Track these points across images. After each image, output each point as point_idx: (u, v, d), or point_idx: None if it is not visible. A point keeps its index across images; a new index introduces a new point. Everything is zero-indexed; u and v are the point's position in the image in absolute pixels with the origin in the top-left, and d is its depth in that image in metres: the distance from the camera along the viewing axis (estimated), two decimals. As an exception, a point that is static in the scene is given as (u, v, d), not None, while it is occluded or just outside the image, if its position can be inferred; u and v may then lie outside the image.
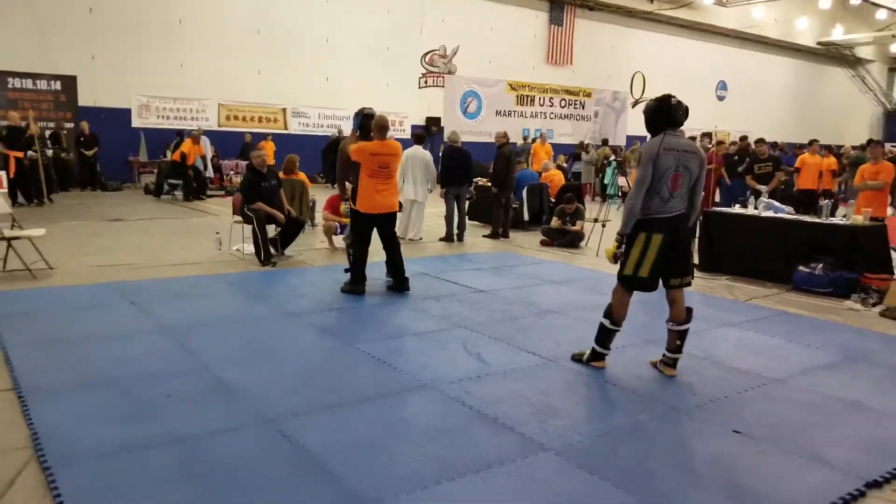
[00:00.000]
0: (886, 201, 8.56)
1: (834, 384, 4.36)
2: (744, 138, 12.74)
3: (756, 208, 8.03)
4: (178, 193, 14.29)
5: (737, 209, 8.27)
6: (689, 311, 4.32)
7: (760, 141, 10.62)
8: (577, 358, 4.56)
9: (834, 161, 11.10)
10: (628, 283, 4.25)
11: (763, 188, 9.54)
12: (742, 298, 6.79)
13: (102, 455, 3.06)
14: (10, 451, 3.08)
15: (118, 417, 3.46)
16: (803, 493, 2.99)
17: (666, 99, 4.16)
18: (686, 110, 4.16)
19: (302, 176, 9.72)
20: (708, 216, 8.37)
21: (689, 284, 4.30)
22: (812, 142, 12.16)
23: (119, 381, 3.93)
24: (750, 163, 10.57)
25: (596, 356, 4.47)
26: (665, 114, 4.11)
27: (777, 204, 8.12)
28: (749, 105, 28.43)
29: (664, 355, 4.42)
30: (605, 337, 4.40)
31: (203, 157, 15.31)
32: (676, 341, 4.33)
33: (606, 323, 4.36)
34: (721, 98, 28.40)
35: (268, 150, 16.11)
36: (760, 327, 5.69)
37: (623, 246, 4.22)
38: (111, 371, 4.10)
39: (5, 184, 12.27)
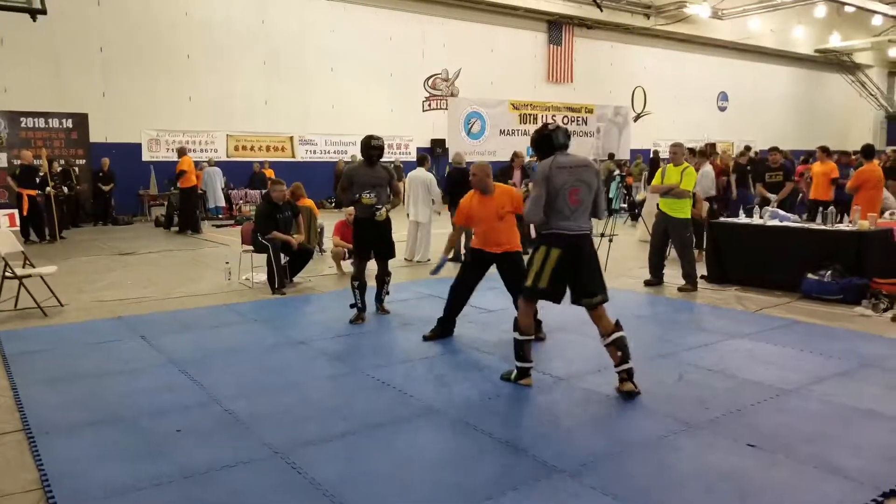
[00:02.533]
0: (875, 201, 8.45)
1: (848, 393, 4.31)
2: (747, 148, 12.69)
3: (761, 217, 7.99)
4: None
5: (742, 219, 8.24)
6: (618, 321, 4.36)
7: (774, 149, 10.49)
8: (505, 378, 4.52)
9: (833, 167, 10.74)
10: (529, 293, 4.37)
11: (773, 197, 9.48)
12: (752, 309, 6.74)
13: (112, 494, 3.05)
14: (19, 494, 3.09)
15: (128, 454, 3.47)
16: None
17: (544, 128, 4.47)
18: (566, 133, 4.42)
19: (309, 202, 9.80)
20: (714, 227, 8.35)
21: (603, 302, 4.29)
22: (822, 149, 11.08)
23: (129, 417, 3.95)
24: (761, 171, 10.48)
25: (522, 374, 4.45)
26: (548, 140, 4.35)
27: (782, 212, 8.08)
28: (750, 115, 28.45)
29: (617, 374, 4.30)
30: (521, 350, 4.42)
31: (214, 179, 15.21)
32: (616, 353, 4.27)
33: (517, 335, 4.41)
34: (722, 109, 28.45)
35: (268, 175, 16.31)
36: (771, 337, 5.64)
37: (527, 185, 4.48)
38: (121, 407, 4.12)
39: (18, 222, 12.52)
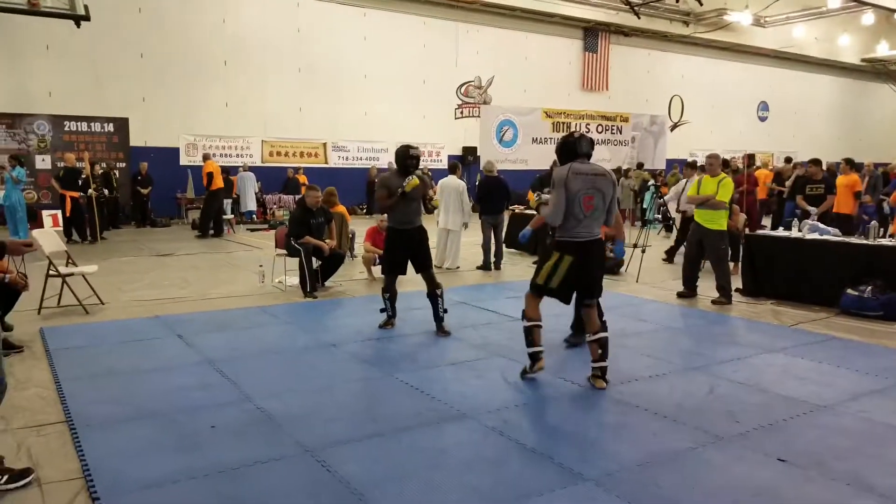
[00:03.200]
0: None
1: (884, 410, 4.21)
2: (788, 160, 12.44)
3: (800, 230, 7.84)
4: (225, 228, 14.70)
5: (781, 232, 8.09)
6: (604, 322, 4.68)
7: (815, 162, 10.30)
8: (523, 374, 4.75)
9: (857, 180, 10.48)
10: (537, 290, 4.65)
11: (813, 210, 9.29)
12: (788, 323, 6.62)
13: (149, 486, 3.16)
14: (63, 482, 3.21)
15: (164, 448, 3.58)
16: (853, 524, 2.89)
17: (570, 135, 4.67)
18: (590, 142, 4.62)
19: (341, 208, 9.93)
20: (751, 239, 8.22)
21: (599, 297, 4.69)
22: (846, 161, 11.07)
23: (166, 413, 4.06)
24: (801, 183, 10.28)
25: (534, 359, 4.70)
26: (571, 147, 4.56)
27: (822, 226, 7.91)
28: (792, 125, 27.91)
29: (591, 368, 4.63)
30: (529, 336, 4.68)
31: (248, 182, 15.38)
32: (598, 350, 4.58)
33: (525, 323, 4.68)
34: (763, 119, 27.95)
35: (301, 181, 16.55)
36: (807, 353, 5.53)
37: (540, 195, 4.65)
38: (158, 403, 4.24)
39: (61, 222, 12.95)
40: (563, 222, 4.48)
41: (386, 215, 6.30)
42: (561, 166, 4.57)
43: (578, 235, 4.47)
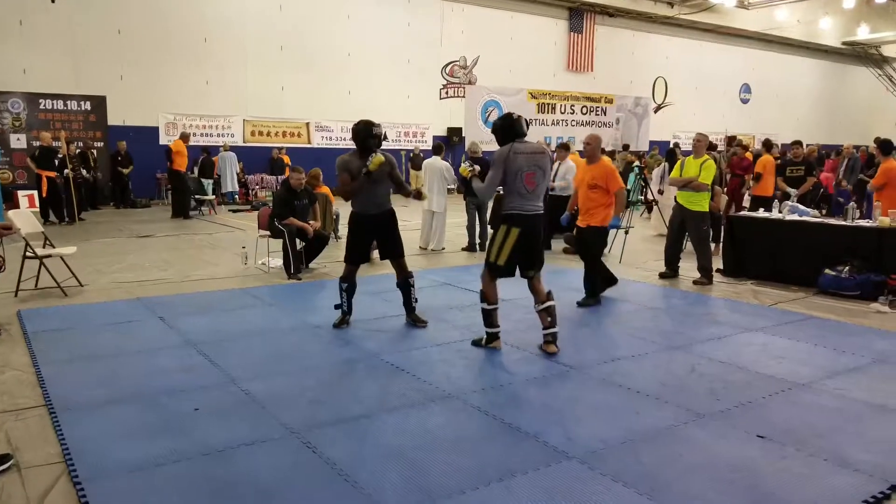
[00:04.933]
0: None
1: (861, 388, 4.30)
2: (767, 142, 12.53)
3: (780, 212, 7.93)
4: (205, 209, 14.53)
5: (761, 213, 8.17)
6: (549, 291, 4.93)
7: (797, 143, 10.40)
8: (476, 343, 5.06)
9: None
10: (492, 269, 4.85)
11: (793, 191, 9.39)
12: (767, 303, 6.71)
13: (132, 469, 3.13)
14: (43, 467, 3.17)
15: (147, 431, 3.55)
16: (827, 496, 2.96)
17: (508, 116, 4.86)
18: (527, 123, 4.88)
19: (325, 189, 9.85)
20: (732, 220, 8.30)
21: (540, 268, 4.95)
22: (765, 143, 11.55)
23: (148, 396, 4.03)
24: (782, 165, 10.39)
25: (491, 338, 5.01)
26: (510, 128, 4.78)
27: (802, 207, 8.00)
28: (773, 107, 28.08)
29: (543, 335, 4.94)
30: (488, 318, 4.97)
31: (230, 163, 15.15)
32: (547, 318, 4.91)
33: (484, 306, 4.94)
34: (745, 101, 28.08)
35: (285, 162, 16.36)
36: (786, 331, 5.62)
37: (473, 166, 5.02)
38: (140, 386, 4.20)
39: (37, 203, 12.71)
40: (507, 198, 4.77)
41: (353, 204, 5.48)
42: (502, 146, 4.76)
43: (524, 209, 4.73)
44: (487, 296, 4.90)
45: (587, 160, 6.60)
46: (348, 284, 5.65)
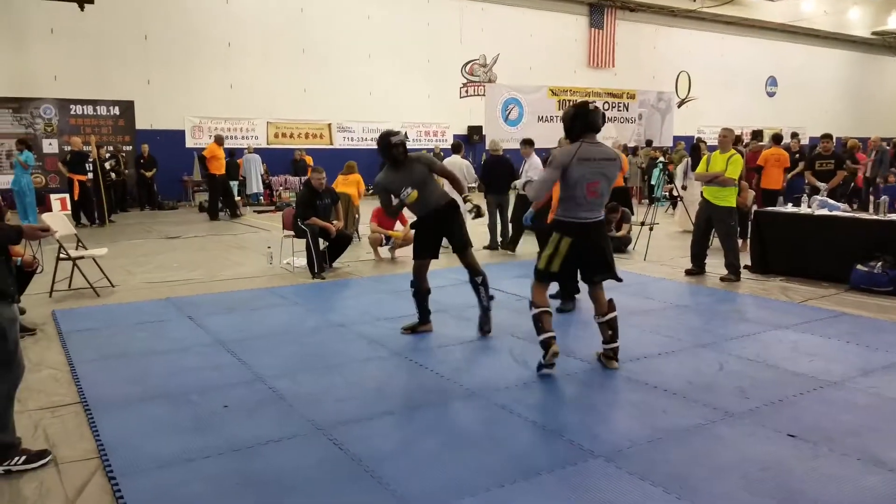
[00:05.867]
0: None
1: (894, 386, 4.21)
2: (794, 135, 12.33)
3: (810, 206, 7.78)
4: (225, 211, 14.67)
5: (790, 208, 8.04)
6: (611, 301, 4.52)
7: (826, 137, 10.21)
8: (538, 367, 4.46)
9: (786, 155, 10.58)
10: (540, 276, 4.50)
11: (822, 186, 9.23)
12: (797, 300, 6.60)
13: (164, 465, 3.20)
14: (79, 462, 3.26)
15: (178, 428, 3.62)
16: (861, 496, 2.91)
17: (583, 105, 4.36)
18: (604, 116, 4.37)
19: (353, 182, 10.06)
20: (759, 216, 8.17)
21: (615, 278, 4.50)
22: (774, 136, 11.36)
23: (178, 394, 4.11)
24: (812, 159, 10.21)
25: (546, 346, 4.40)
26: (584, 119, 4.27)
27: (832, 202, 7.85)
28: (801, 100, 27.57)
29: (603, 349, 4.57)
30: (539, 323, 4.44)
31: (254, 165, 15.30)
32: (608, 332, 4.52)
33: (533, 310, 4.47)
34: (771, 94, 27.64)
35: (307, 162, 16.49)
36: (817, 329, 5.52)
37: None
38: (170, 384, 4.28)
39: (69, 206, 13.00)
40: (563, 203, 4.35)
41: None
42: (567, 146, 4.34)
43: (578, 217, 4.32)
44: (535, 299, 4.45)
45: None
46: (416, 289, 5.32)
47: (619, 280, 4.55)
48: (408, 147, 5.22)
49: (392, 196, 5.20)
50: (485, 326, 5.32)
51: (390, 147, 5.06)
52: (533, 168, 9.17)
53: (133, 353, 4.91)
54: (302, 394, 4.10)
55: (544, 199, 4.65)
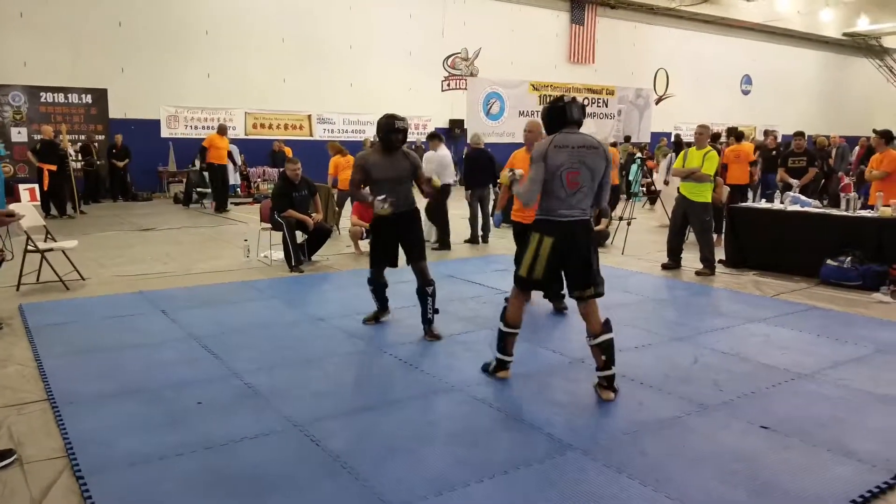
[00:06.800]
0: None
1: (863, 378, 4.29)
2: (767, 133, 12.58)
3: (782, 202, 7.91)
4: (207, 202, 14.48)
5: (763, 203, 8.15)
6: (607, 321, 3.96)
7: (799, 134, 10.39)
8: (484, 368, 4.31)
9: (749, 150, 10.80)
10: (522, 284, 4.07)
11: (795, 182, 9.38)
12: (769, 293, 6.70)
13: (135, 463, 3.13)
14: (45, 461, 3.17)
15: (150, 425, 3.55)
16: (831, 486, 2.96)
17: (558, 99, 4.03)
18: (581, 108, 4.01)
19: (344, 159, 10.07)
20: (733, 212, 8.28)
21: (598, 295, 3.96)
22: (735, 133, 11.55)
23: (150, 389, 4.03)
24: (784, 156, 10.39)
25: (500, 365, 4.20)
26: (560, 114, 3.95)
27: (803, 198, 7.98)
28: (775, 99, 27.96)
29: (597, 377, 3.99)
30: (502, 342, 4.16)
31: (230, 156, 15.18)
32: (601, 357, 3.92)
33: (502, 326, 4.14)
34: (746, 92, 27.98)
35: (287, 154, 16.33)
36: (788, 322, 5.61)
37: (513, 172, 4.29)
38: (143, 379, 4.20)
39: (38, 196, 12.71)
40: (543, 200, 3.91)
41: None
42: (544, 138, 4.05)
43: (560, 215, 3.87)
44: (509, 315, 4.09)
45: (527, 149, 5.50)
46: (375, 286, 5.34)
47: (599, 295, 3.97)
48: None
49: (367, 178, 4.98)
50: (429, 334, 5.12)
51: (391, 130, 4.88)
52: (430, 161, 9.09)
53: (103, 348, 4.81)
54: (278, 389, 4.05)
55: (534, 201, 4.01)
